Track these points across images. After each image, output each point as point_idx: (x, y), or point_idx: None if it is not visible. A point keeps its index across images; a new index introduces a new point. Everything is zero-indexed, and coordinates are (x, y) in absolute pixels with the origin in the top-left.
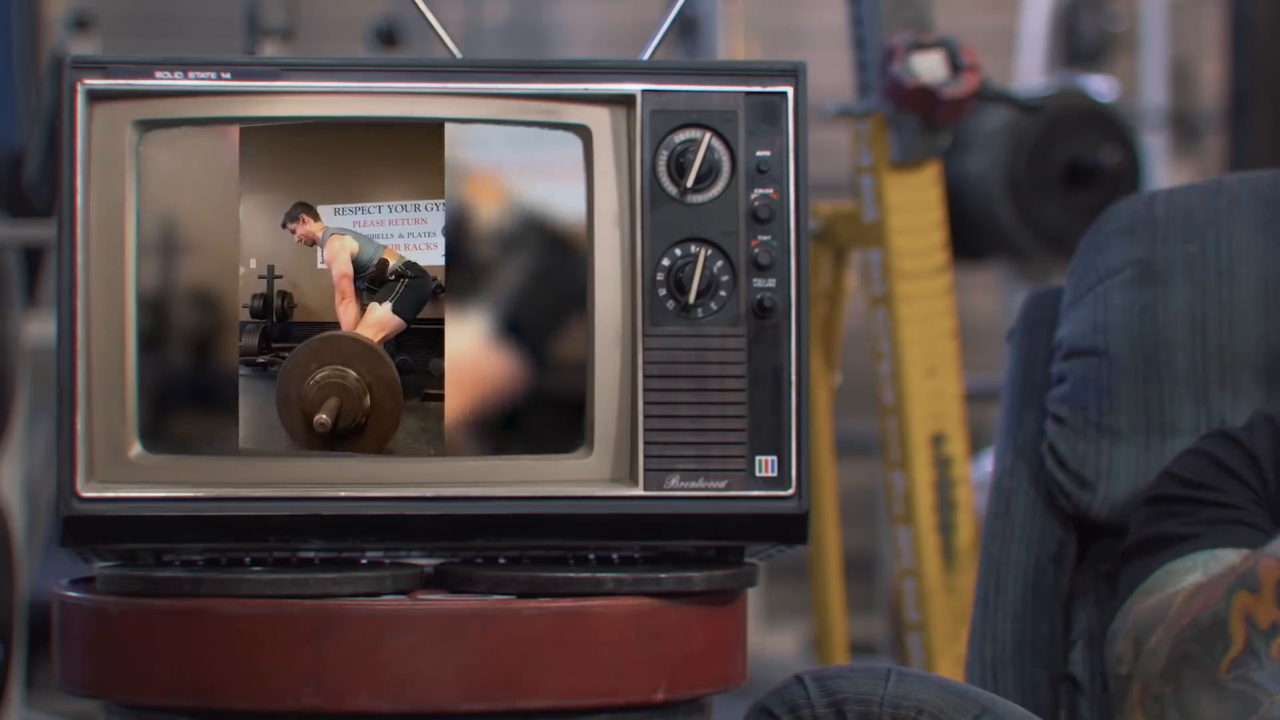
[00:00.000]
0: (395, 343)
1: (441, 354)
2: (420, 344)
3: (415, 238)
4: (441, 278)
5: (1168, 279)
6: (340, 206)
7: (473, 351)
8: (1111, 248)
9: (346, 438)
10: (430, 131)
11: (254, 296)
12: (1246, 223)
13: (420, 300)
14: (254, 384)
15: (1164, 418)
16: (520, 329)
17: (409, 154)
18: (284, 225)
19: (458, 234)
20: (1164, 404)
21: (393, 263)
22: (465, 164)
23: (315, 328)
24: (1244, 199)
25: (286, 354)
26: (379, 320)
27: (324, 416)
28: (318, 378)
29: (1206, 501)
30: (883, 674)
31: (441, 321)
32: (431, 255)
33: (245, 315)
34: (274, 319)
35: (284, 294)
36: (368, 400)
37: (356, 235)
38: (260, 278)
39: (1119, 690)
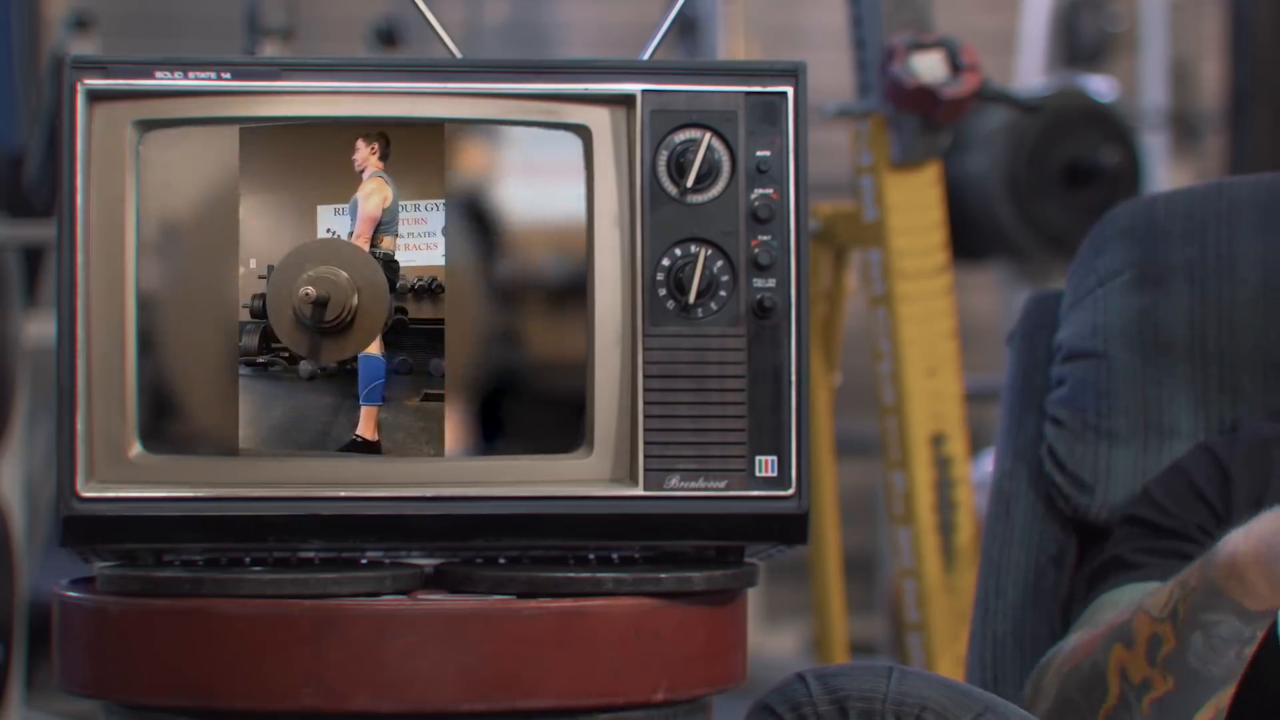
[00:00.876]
0: (395, 342)
1: (441, 354)
2: (420, 344)
3: (415, 238)
4: (441, 278)
5: (1167, 282)
6: (339, 206)
7: (472, 351)
8: (1111, 250)
9: (333, 335)
10: (430, 131)
11: (254, 296)
12: (1246, 226)
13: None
14: (254, 384)
15: (1163, 420)
16: (520, 329)
17: (409, 154)
18: (360, 137)
19: (457, 234)
20: (1163, 406)
21: (386, 245)
22: (465, 164)
23: None
24: (1244, 202)
25: (286, 353)
26: None
27: (310, 289)
28: (309, 274)
29: (1163, 529)
30: (884, 672)
31: (442, 321)
32: (431, 255)
33: (245, 315)
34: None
35: None
36: (355, 299)
37: (395, 192)
38: (260, 278)
39: None
